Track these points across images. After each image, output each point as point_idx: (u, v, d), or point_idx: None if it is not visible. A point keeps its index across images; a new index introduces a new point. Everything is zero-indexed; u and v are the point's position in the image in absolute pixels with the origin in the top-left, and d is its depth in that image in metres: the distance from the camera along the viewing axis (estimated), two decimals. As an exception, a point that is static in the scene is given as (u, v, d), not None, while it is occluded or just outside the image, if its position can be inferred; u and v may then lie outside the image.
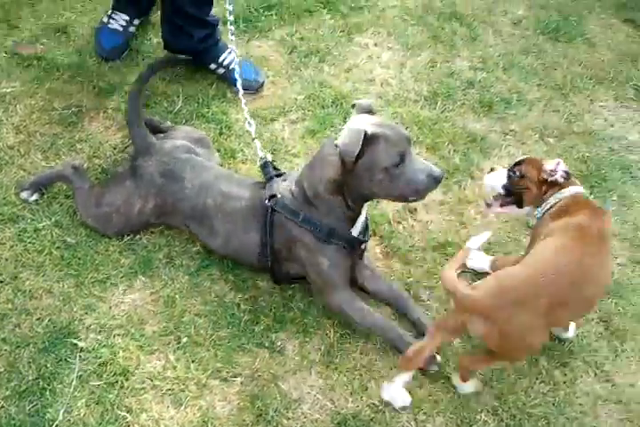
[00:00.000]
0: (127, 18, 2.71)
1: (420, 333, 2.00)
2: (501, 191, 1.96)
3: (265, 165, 2.11)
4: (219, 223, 2.07)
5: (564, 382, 1.96)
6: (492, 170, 2.01)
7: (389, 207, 2.32)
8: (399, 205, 2.32)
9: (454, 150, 2.51)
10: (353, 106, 1.98)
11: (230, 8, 2.29)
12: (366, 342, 2.02)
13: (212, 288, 2.11)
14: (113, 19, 2.71)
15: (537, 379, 1.97)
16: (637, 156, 2.55)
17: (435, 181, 1.87)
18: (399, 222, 2.31)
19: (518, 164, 1.94)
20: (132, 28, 2.74)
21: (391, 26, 2.93)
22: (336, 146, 1.83)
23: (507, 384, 1.96)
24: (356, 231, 1.99)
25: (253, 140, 2.20)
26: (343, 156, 1.82)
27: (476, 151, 2.52)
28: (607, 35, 2.98)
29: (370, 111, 1.94)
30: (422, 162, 1.89)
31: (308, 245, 1.97)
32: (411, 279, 2.16)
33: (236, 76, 2.32)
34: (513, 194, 1.95)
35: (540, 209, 1.91)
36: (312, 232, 1.94)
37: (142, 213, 2.14)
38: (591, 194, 2.25)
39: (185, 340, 1.99)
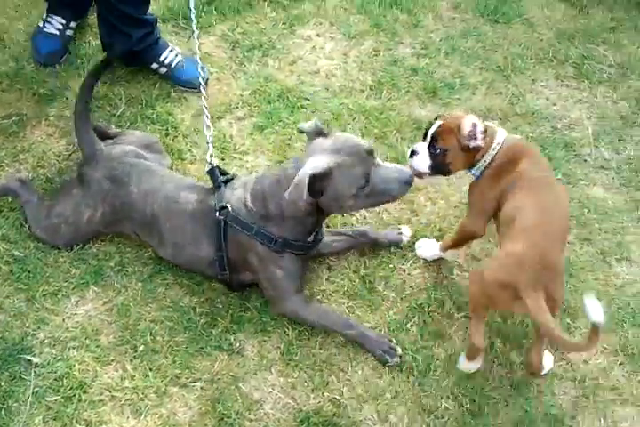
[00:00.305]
0: (63, 21, 2.65)
1: (397, 246, 2.21)
2: (429, 172, 1.94)
3: (212, 171, 2.06)
4: (167, 232, 2.03)
5: (521, 364, 1.98)
6: (412, 153, 1.96)
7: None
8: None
9: (401, 138, 2.50)
10: (300, 131, 1.95)
11: (192, 5, 2.33)
12: (324, 337, 2.03)
13: (166, 294, 2.09)
14: (49, 22, 2.64)
15: (494, 362, 1.99)
16: (579, 133, 2.58)
17: (406, 184, 1.87)
18: (352, 215, 2.31)
19: (434, 138, 1.91)
20: (69, 32, 2.68)
21: (333, 16, 2.90)
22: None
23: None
24: (312, 237, 1.99)
25: (208, 144, 2.16)
26: (293, 211, 1.84)
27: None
28: (545, 14, 2.99)
29: (321, 133, 1.90)
30: (389, 169, 1.87)
31: (260, 254, 1.95)
32: (365, 271, 2.17)
33: (201, 80, 2.35)
34: (442, 167, 1.93)
35: (475, 169, 1.92)
36: (265, 244, 1.93)
37: (91, 221, 2.10)
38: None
39: (142, 348, 1.97)
